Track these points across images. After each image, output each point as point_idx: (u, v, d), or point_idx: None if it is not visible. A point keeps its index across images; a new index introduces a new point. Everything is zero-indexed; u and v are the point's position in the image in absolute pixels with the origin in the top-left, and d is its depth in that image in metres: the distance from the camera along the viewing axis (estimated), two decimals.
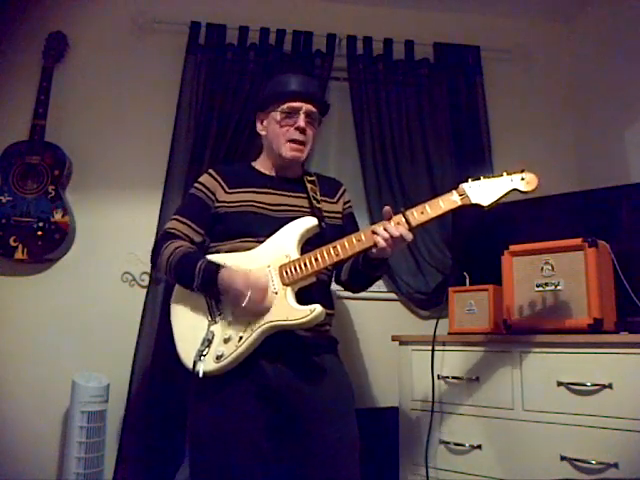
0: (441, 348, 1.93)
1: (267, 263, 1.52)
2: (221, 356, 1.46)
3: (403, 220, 1.44)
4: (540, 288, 1.79)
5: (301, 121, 1.64)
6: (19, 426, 2.31)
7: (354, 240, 1.48)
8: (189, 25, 2.64)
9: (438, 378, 1.91)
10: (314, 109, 1.68)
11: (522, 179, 1.44)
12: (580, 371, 1.64)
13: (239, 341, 1.47)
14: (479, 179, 1.45)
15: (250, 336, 1.46)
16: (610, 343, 1.61)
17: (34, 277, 2.45)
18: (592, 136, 2.73)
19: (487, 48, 2.79)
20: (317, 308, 1.43)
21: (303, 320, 1.43)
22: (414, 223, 1.44)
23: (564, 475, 1.59)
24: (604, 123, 2.64)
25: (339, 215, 1.74)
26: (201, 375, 1.44)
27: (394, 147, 2.63)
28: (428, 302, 2.53)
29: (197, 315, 1.56)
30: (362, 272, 1.62)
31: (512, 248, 1.86)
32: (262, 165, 1.75)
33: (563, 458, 1.62)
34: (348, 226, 1.75)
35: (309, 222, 1.57)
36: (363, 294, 2.58)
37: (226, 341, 1.48)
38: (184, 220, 1.66)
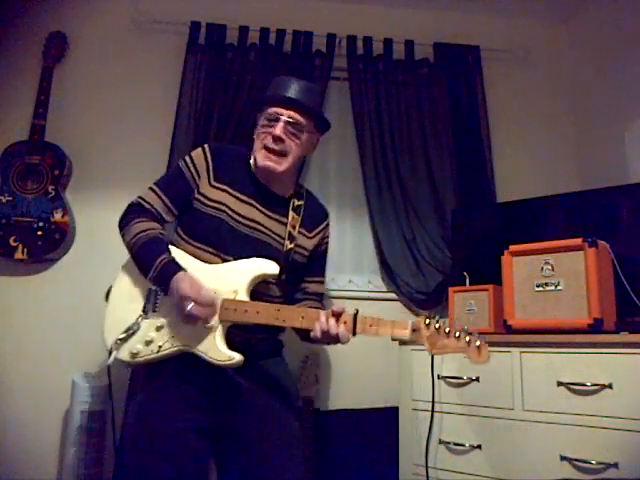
0: None
1: (214, 288, 1.48)
2: (136, 354, 1.48)
3: (351, 323, 1.39)
4: (540, 288, 1.79)
5: (277, 129, 1.56)
6: (19, 426, 2.31)
7: (300, 316, 1.45)
8: (189, 25, 2.64)
9: (438, 378, 1.91)
10: (300, 118, 1.58)
11: (477, 347, 1.32)
12: (580, 371, 1.64)
13: (157, 349, 1.48)
14: (438, 322, 1.36)
15: (167, 350, 1.48)
16: (610, 343, 1.61)
17: (34, 277, 2.45)
18: (592, 136, 2.73)
19: (487, 48, 2.79)
20: (235, 358, 1.43)
21: (220, 363, 1.45)
22: (358, 331, 1.39)
23: (564, 475, 1.59)
24: (604, 123, 2.64)
25: (307, 252, 1.67)
26: (109, 362, 1.49)
27: (394, 147, 2.63)
28: (428, 302, 2.53)
29: (133, 301, 1.55)
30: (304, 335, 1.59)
31: (512, 248, 1.87)
32: (254, 165, 1.65)
33: (563, 458, 1.62)
34: (314, 263, 1.71)
35: (269, 269, 1.53)
36: (363, 294, 2.60)
37: (147, 343, 1.48)
38: (162, 196, 1.60)
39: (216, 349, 1.45)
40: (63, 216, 2.40)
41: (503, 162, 2.72)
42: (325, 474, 2.23)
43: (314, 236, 1.70)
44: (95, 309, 2.41)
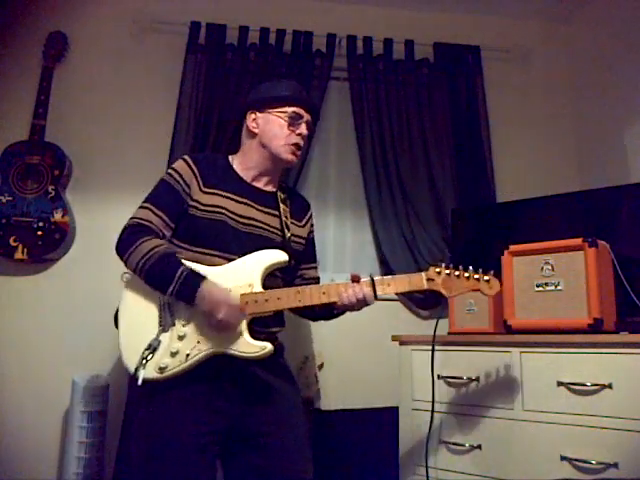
0: (441, 348, 1.93)
1: (228, 286, 1.50)
2: (164, 368, 1.45)
3: (370, 287, 1.51)
4: (540, 288, 1.79)
5: (304, 129, 1.67)
6: (19, 426, 2.31)
7: (319, 293, 1.52)
8: (189, 25, 2.64)
9: (438, 378, 1.91)
10: (311, 122, 1.71)
11: (487, 281, 1.51)
12: (580, 371, 1.64)
13: (186, 358, 1.46)
14: (449, 268, 1.50)
15: (196, 355, 1.47)
16: (610, 343, 1.61)
17: (34, 277, 2.45)
18: (592, 136, 2.73)
19: (487, 48, 2.79)
20: (267, 347, 1.46)
21: (252, 355, 1.46)
22: (379, 292, 1.51)
23: (564, 475, 1.59)
24: (604, 123, 2.64)
25: (303, 241, 1.73)
26: (140, 383, 1.43)
27: (394, 147, 2.63)
28: (428, 302, 2.53)
29: (147, 318, 1.52)
30: (317, 313, 1.65)
31: (512, 248, 1.86)
32: (241, 165, 1.69)
33: (563, 458, 1.61)
34: (308, 250, 1.76)
35: (280, 257, 1.55)
36: None
37: (173, 354, 1.46)
38: (158, 212, 1.58)
39: (246, 343, 1.46)
40: (63, 216, 2.40)
41: (503, 162, 2.72)
42: (325, 474, 2.22)
43: (304, 225, 1.76)
44: (95, 309, 2.43)
